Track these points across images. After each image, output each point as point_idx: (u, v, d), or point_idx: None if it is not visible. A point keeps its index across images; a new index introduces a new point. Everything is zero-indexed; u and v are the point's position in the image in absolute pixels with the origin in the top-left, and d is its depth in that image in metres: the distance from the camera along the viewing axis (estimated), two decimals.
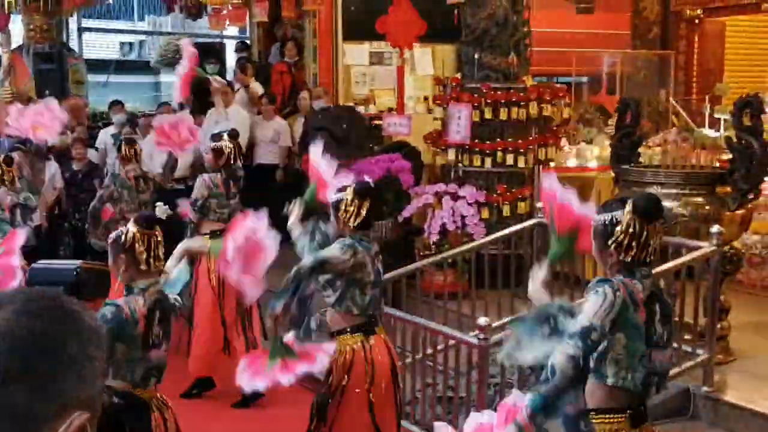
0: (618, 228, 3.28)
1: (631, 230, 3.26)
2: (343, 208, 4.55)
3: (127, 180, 7.63)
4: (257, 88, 10.85)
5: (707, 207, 6.15)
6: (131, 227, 3.80)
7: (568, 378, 3.15)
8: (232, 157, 6.92)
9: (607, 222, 3.32)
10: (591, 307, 3.21)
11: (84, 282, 1.57)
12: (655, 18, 12.72)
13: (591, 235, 3.40)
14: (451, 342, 5.44)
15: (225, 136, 6.97)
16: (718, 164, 7.33)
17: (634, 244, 3.27)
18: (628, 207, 3.29)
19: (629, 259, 3.29)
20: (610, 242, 3.29)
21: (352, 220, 4.53)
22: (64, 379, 1.23)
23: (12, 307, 1.24)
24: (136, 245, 3.72)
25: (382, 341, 4.69)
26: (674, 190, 6.23)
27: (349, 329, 4.63)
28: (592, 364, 3.25)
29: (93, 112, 14.26)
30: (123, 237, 3.73)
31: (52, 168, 10.19)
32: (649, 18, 12.71)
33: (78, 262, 1.60)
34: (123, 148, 7.77)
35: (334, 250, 4.47)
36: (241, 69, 11.14)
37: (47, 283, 1.51)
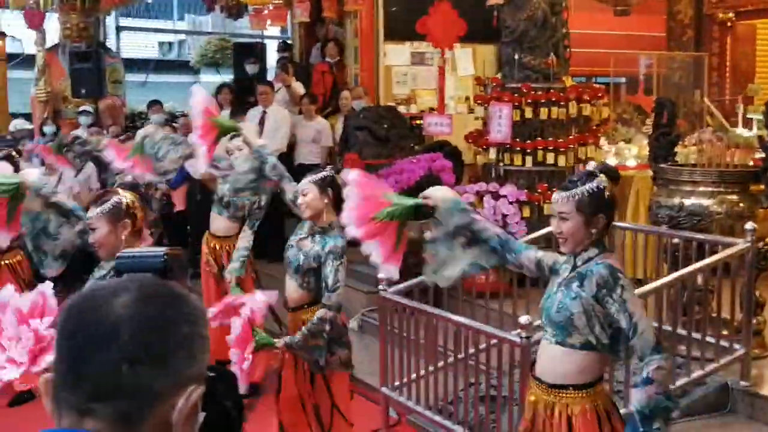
0: (606, 194, 3.40)
1: (612, 195, 3.43)
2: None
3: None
4: (299, 87, 10.93)
5: (741, 204, 6.19)
6: (125, 194, 3.93)
7: None
8: None
9: (593, 190, 3.39)
10: (638, 308, 3.32)
11: (170, 268, 1.65)
12: (689, 21, 12.82)
13: (567, 210, 3.41)
14: (493, 341, 5.40)
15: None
16: (751, 163, 7.37)
17: (614, 212, 3.48)
18: (601, 176, 3.41)
19: (610, 223, 3.46)
20: (600, 209, 3.39)
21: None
22: (179, 358, 1.33)
23: (128, 295, 1.34)
24: (136, 210, 3.89)
25: None
26: (710, 188, 6.27)
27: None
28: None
29: (131, 112, 14.34)
30: (123, 203, 3.85)
31: (88, 169, 10.22)
32: (684, 21, 12.81)
33: (162, 249, 1.70)
34: None
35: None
36: (282, 68, 11.23)
37: (136, 271, 1.55)
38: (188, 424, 1.34)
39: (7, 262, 6.85)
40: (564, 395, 3.48)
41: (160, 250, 1.70)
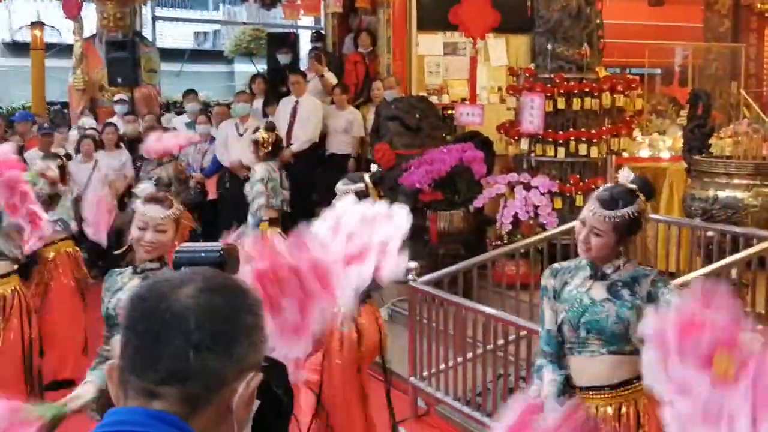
0: (643, 217, 3.44)
1: (647, 215, 3.50)
2: None
3: None
4: (331, 77, 10.93)
5: None
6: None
7: None
8: (272, 146, 7.26)
9: (634, 215, 3.40)
10: None
11: (226, 262, 1.72)
12: (727, 11, 12.64)
13: (603, 229, 3.39)
14: (523, 333, 5.39)
15: (261, 129, 7.39)
16: None
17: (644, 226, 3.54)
18: (640, 197, 3.43)
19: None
20: (634, 231, 3.45)
21: None
22: (242, 346, 1.41)
23: (194, 285, 1.41)
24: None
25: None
26: (745, 181, 6.23)
27: None
28: None
29: (166, 101, 14.45)
30: (179, 208, 3.82)
31: (123, 156, 10.32)
32: (721, 11, 12.65)
33: (219, 244, 1.76)
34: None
35: None
36: (314, 58, 11.24)
37: (193, 265, 1.63)
38: (246, 409, 1.42)
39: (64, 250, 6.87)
40: (628, 391, 3.47)
41: (218, 244, 1.78)
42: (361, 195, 4.57)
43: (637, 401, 3.45)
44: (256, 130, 7.43)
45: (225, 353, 1.38)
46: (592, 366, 3.49)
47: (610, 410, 3.47)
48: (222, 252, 1.75)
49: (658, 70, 12.76)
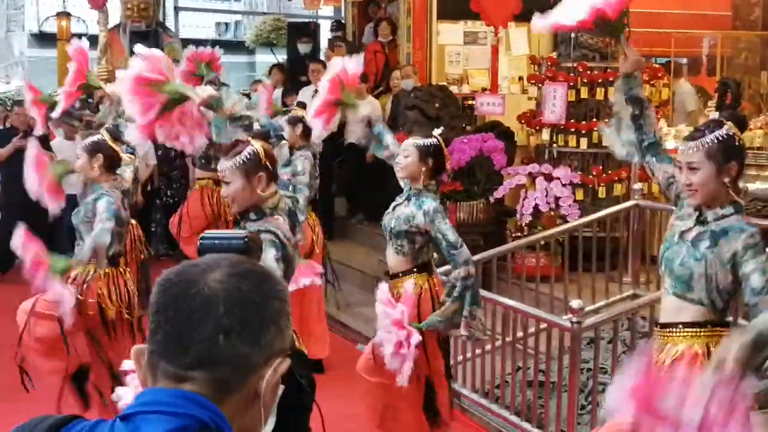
0: (736, 141, 3.26)
1: (742, 141, 3.29)
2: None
3: None
4: None
5: None
6: (257, 144, 3.73)
7: None
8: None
9: (724, 136, 3.25)
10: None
11: (251, 249, 1.74)
12: None
13: (697, 159, 3.26)
14: (543, 325, 5.37)
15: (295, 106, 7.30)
16: None
17: (745, 159, 3.33)
18: (728, 124, 3.29)
19: (740, 179, 3.32)
20: (732, 156, 3.25)
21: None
22: (270, 332, 1.42)
23: (221, 271, 1.42)
24: (270, 161, 3.74)
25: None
26: None
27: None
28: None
29: None
30: (257, 153, 3.69)
31: (145, 145, 10.36)
32: None
33: (243, 232, 1.80)
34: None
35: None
36: (330, 47, 11.17)
37: (218, 251, 1.62)
38: (273, 395, 1.44)
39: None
40: (674, 333, 3.41)
41: (242, 232, 1.81)
42: (432, 149, 4.52)
43: (678, 346, 3.38)
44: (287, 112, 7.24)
45: (254, 338, 1.40)
46: (665, 303, 3.48)
47: (698, 348, 3.35)
48: (247, 239, 1.78)
49: (684, 60, 12.52)
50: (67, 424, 1.43)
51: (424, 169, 4.49)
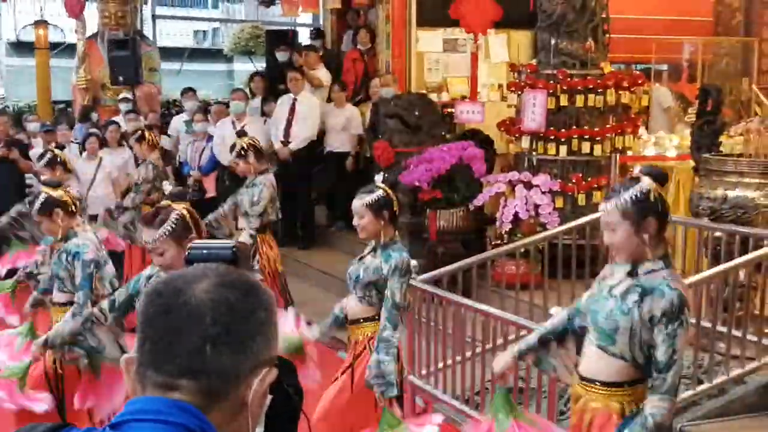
0: (651, 197, 3.24)
1: (659, 197, 3.27)
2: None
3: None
4: (320, 74, 10.81)
5: None
6: (179, 206, 3.71)
7: None
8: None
9: (636, 194, 3.25)
10: (682, 348, 3.20)
11: (239, 259, 1.74)
12: (739, 4, 12.37)
13: (613, 220, 3.27)
14: (523, 332, 5.27)
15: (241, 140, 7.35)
16: None
17: (666, 213, 3.29)
18: (644, 179, 3.28)
19: (664, 233, 3.30)
20: (647, 214, 3.23)
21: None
22: (257, 342, 1.44)
23: (208, 281, 1.44)
24: (196, 218, 3.71)
25: None
26: (756, 180, 6.06)
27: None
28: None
29: (166, 100, 14.45)
30: (184, 217, 3.68)
31: (125, 154, 10.35)
32: (733, 5, 12.38)
33: (232, 241, 1.80)
34: (148, 135, 8.52)
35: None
36: (300, 54, 11.18)
37: (206, 261, 1.63)
38: (260, 404, 1.46)
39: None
40: (592, 389, 3.43)
41: (230, 242, 1.82)
42: (383, 202, 4.50)
43: (594, 403, 3.42)
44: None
45: (241, 348, 1.42)
46: (587, 353, 3.47)
47: (613, 409, 3.38)
48: (235, 249, 1.78)
49: (665, 66, 12.53)
50: (58, 431, 1.44)
51: (382, 223, 4.51)
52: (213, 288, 1.43)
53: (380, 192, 4.55)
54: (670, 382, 3.15)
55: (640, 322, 3.21)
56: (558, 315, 3.71)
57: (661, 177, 3.36)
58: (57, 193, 5.05)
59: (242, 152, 7.13)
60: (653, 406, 3.16)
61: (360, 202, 4.51)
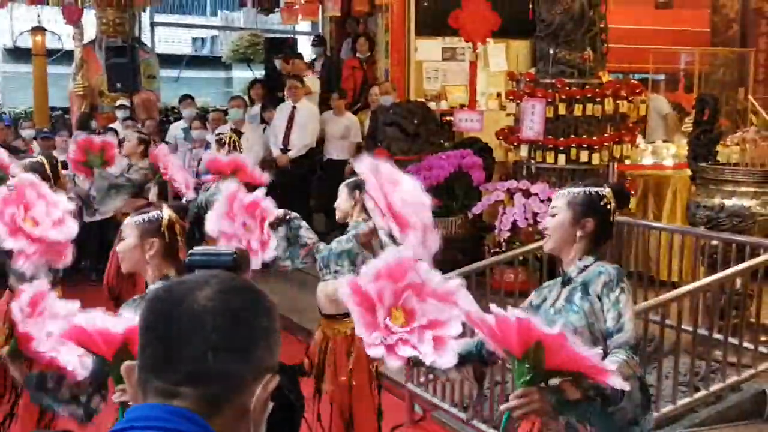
0: (602, 201, 3.22)
1: (611, 207, 3.23)
2: None
3: None
4: (308, 81, 10.84)
5: None
6: (168, 212, 3.61)
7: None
8: None
9: (590, 192, 3.23)
10: (630, 312, 3.12)
11: (240, 265, 1.71)
12: (735, 15, 12.44)
13: (558, 204, 3.26)
14: None
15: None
16: None
17: (612, 221, 3.25)
18: (606, 190, 3.26)
19: (600, 245, 3.25)
20: (590, 212, 3.20)
21: None
22: (259, 349, 1.43)
23: (210, 288, 1.43)
24: (172, 233, 3.47)
25: None
26: (752, 189, 6.11)
27: None
28: None
29: (164, 107, 14.43)
30: (160, 220, 3.47)
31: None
32: (729, 15, 12.44)
33: (233, 247, 1.75)
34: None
35: None
36: (285, 61, 11.21)
37: (207, 268, 1.61)
38: (263, 411, 1.45)
39: None
40: None
41: (231, 248, 1.79)
42: (358, 183, 4.54)
43: None
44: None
45: (243, 355, 1.41)
46: None
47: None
48: (235, 255, 1.74)
49: (662, 76, 12.59)
50: None
51: (352, 203, 4.67)
52: (215, 295, 1.42)
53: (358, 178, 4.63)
54: (626, 337, 3.05)
55: (591, 309, 3.13)
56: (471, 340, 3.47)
57: (622, 197, 3.35)
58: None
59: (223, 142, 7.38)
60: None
61: (342, 184, 4.81)
